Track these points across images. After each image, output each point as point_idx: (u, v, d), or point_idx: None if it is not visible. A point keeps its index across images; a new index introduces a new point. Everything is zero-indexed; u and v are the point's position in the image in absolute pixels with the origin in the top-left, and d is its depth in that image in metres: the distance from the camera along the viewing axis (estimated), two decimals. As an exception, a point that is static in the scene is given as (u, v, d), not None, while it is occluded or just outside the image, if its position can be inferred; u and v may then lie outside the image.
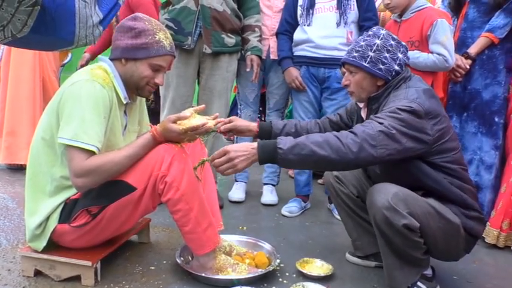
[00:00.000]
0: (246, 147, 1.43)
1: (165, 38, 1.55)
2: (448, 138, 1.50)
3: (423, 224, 1.43)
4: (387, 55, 1.55)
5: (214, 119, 1.56)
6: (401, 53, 1.58)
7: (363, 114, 1.70)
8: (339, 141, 1.38)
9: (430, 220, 1.45)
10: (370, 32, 1.62)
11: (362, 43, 1.59)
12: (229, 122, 1.74)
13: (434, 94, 1.55)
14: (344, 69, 1.67)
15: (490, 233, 2.11)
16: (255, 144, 1.43)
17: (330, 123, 1.88)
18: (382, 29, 1.62)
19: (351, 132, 1.41)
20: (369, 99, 1.62)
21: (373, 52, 1.56)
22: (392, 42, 1.57)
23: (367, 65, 1.56)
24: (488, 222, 2.13)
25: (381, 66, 1.55)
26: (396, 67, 1.56)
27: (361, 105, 1.72)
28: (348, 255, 1.90)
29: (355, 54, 1.59)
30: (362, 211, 1.79)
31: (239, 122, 1.76)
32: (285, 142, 1.40)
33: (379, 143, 1.38)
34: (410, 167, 1.49)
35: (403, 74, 1.58)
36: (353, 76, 1.61)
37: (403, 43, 1.62)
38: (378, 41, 1.57)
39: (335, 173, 1.82)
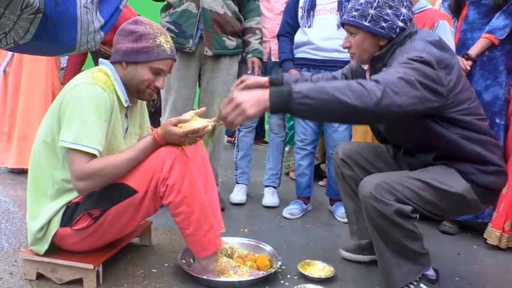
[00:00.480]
0: (257, 92, 1.26)
1: (165, 41, 1.56)
2: (461, 88, 1.43)
3: (419, 203, 1.41)
4: (389, 11, 1.46)
5: (215, 121, 1.56)
6: (405, 7, 1.48)
7: (367, 75, 1.63)
8: (361, 86, 1.25)
9: (425, 196, 1.42)
10: None
11: (362, 1, 1.51)
12: (241, 82, 1.62)
13: (444, 45, 1.46)
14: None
15: (492, 234, 2.10)
16: (266, 90, 1.25)
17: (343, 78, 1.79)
18: None
19: (373, 79, 1.30)
20: (372, 59, 1.54)
21: (374, 9, 1.47)
22: None
23: (367, 24, 1.48)
24: (490, 224, 2.13)
25: (383, 24, 1.46)
26: (400, 23, 1.47)
27: (365, 67, 1.65)
28: (341, 251, 1.91)
29: (355, 14, 1.51)
30: None
31: (249, 80, 1.63)
32: (301, 86, 1.25)
33: (401, 89, 1.27)
34: (423, 127, 1.43)
35: (408, 30, 1.49)
36: (353, 37, 1.53)
37: None
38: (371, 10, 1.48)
39: (340, 155, 1.78)
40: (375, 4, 1.48)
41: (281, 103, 1.23)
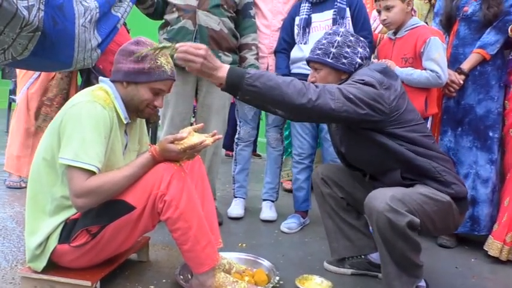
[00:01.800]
0: (221, 64, 1.41)
1: (166, 62, 1.58)
2: (405, 109, 1.59)
3: (421, 216, 1.47)
4: (348, 50, 1.67)
5: (212, 136, 1.58)
6: (361, 47, 1.70)
7: None
8: (303, 84, 1.44)
9: (426, 208, 1.49)
10: (330, 31, 1.75)
11: (324, 41, 1.71)
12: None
13: (388, 71, 1.64)
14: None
15: (494, 246, 2.11)
16: (228, 66, 1.42)
17: None
18: (342, 27, 1.76)
19: (314, 84, 1.49)
20: None
21: (335, 48, 1.67)
22: (352, 38, 1.70)
23: (330, 61, 1.68)
24: (491, 236, 2.14)
25: (344, 61, 1.66)
26: (358, 60, 1.67)
27: None
28: (325, 264, 1.96)
29: (319, 52, 1.71)
30: (344, 213, 1.86)
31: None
32: (256, 71, 1.43)
33: (337, 97, 1.44)
34: (372, 139, 1.57)
35: (365, 66, 1.68)
36: (318, 73, 1.72)
37: (362, 39, 1.74)
38: (338, 38, 1.69)
39: (320, 175, 1.88)
40: (336, 44, 1.69)
41: (235, 78, 1.38)
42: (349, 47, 1.67)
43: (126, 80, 1.56)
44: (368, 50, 1.73)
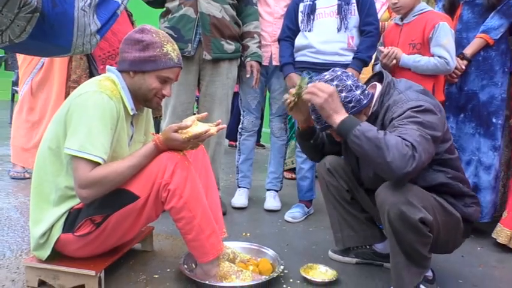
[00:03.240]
0: (337, 104, 1.47)
1: (172, 50, 1.56)
2: (446, 129, 1.54)
3: (433, 218, 1.45)
4: (343, 95, 1.54)
5: (216, 125, 1.56)
6: (347, 79, 1.56)
7: None
8: (407, 148, 1.32)
9: (437, 214, 1.47)
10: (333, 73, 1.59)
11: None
12: None
13: (426, 90, 1.58)
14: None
15: (503, 233, 2.10)
16: (343, 112, 1.47)
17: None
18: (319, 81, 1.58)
19: (405, 139, 1.35)
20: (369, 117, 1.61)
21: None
22: (334, 83, 1.54)
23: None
24: (500, 223, 2.14)
25: (351, 105, 1.54)
26: (357, 91, 1.55)
27: None
28: (330, 253, 1.96)
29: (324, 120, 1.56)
30: (348, 204, 1.85)
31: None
32: (365, 125, 1.41)
33: (424, 146, 1.35)
34: None
35: (385, 80, 1.58)
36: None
37: (339, 71, 1.59)
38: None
39: (327, 165, 1.85)
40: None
41: (346, 129, 1.42)
42: (341, 91, 1.53)
43: (132, 69, 1.54)
44: (352, 76, 1.59)
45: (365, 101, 1.57)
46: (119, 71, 1.57)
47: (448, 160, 1.54)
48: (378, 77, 1.68)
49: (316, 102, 1.47)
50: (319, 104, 1.46)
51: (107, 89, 1.48)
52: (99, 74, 2.71)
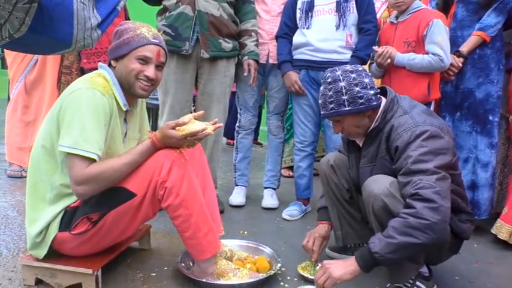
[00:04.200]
0: (344, 262, 1.44)
1: (147, 31, 1.56)
2: (453, 145, 1.53)
3: None
4: (358, 88, 1.53)
5: (213, 124, 1.56)
6: (365, 76, 1.56)
7: (360, 144, 1.69)
8: (421, 220, 1.32)
9: None
10: (328, 80, 1.58)
11: (330, 93, 1.56)
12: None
13: (430, 111, 1.58)
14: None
15: (503, 229, 2.11)
16: (352, 259, 1.42)
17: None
18: (337, 70, 1.58)
19: (420, 198, 1.34)
20: (369, 131, 1.60)
21: (346, 95, 1.53)
22: (353, 75, 1.54)
23: (349, 109, 1.54)
24: (500, 219, 2.14)
25: (361, 101, 1.53)
26: (371, 92, 1.54)
27: (358, 141, 1.71)
28: (327, 250, 1.96)
29: (332, 106, 1.56)
30: (347, 203, 1.85)
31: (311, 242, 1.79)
32: (374, 244, 1.37)
33: (442, 191, 1.35)
34: None
35: (389, 96, 1.57)
36: (341, 124, 1.60)
37: (360, 67, 1.59)
38: (342, 84, 1.54)
39: (331, 162, 1.84)
40: (344, 90, 1.54)
41: (370, 264, 1.38)
42: (357, 85, 1.53)
43: (113, 57, 1.56)
44: (370, 76, 1.59)
45: (374, 103, 1.54)
46: (109, 67, 1.59)
47: (451, 175, 1.49)
48: (381, 91, 1.64)
49: (331, 283, 1.40)
50: (335, 281, 1.40)
51: (99, 85, 1.47)
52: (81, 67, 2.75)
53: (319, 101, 1.64)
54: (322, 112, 1.64)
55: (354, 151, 1.74)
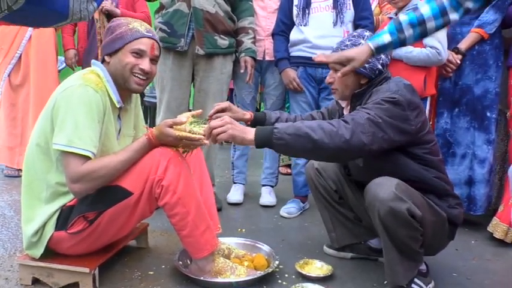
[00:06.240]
0: (246, 127, 1.47)
1: (140, 25, 1.57)
2: (427, 130, 1.56)
3: (422, 215, 1.46)
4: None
5: (209, 116, 1.57)
6: (384, 54, 1.61)
7: (346, 112, 1.72)
8: (331, 126, 1.41)
9: (425, 212, 1.48)
10: (355, 33, 1.67)
11: (348, 42, 1.64)
12: (224, 110, 1.71)
13: (414, 90, 1.59)
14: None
15: (499, 228, 2.11)
16: (253, 129, 1.46)
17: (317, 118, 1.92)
18: (366, 31, 1.67)
19: (342, 120, 1.45)
20: (352, 96, 1.66)
21: None
22: (367, 34, 1.63)
23: None
24: (496, 217, 2.14)
25: (366, 65, 1.57)
26: (379, 66, 1.61)
27: (343, 104, 1.76)
28: (325, 248, 1.97)
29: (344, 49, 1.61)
30: (338, 204, 1.87)
31: (235, 108, 1.77)
32: (281, 125, 1.45)
33: (368, 130, 1.41)
34: (392, 159, 1.54)
35: (385, 74, 1.63)
36: (337, 74, 1.61)
37: None
38: (362, 41, 1.60)
39: (316, 165, 1.87)
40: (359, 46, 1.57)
41: (264, 138, 1.42)
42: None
43: (106, 53, 1.56)
44: (389, 57, 1.65)
45: (373, 76, 1.60)
46: (102, 63, 1.58)
47: (430, 162, 1.55)
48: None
49: (225, 136, 1.41)
50: (229, 136, 1.42)
51: (91, 82, 1.46)
52: None
53: (336, 45, 1.69)
54: (331, 52, 1.66)
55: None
